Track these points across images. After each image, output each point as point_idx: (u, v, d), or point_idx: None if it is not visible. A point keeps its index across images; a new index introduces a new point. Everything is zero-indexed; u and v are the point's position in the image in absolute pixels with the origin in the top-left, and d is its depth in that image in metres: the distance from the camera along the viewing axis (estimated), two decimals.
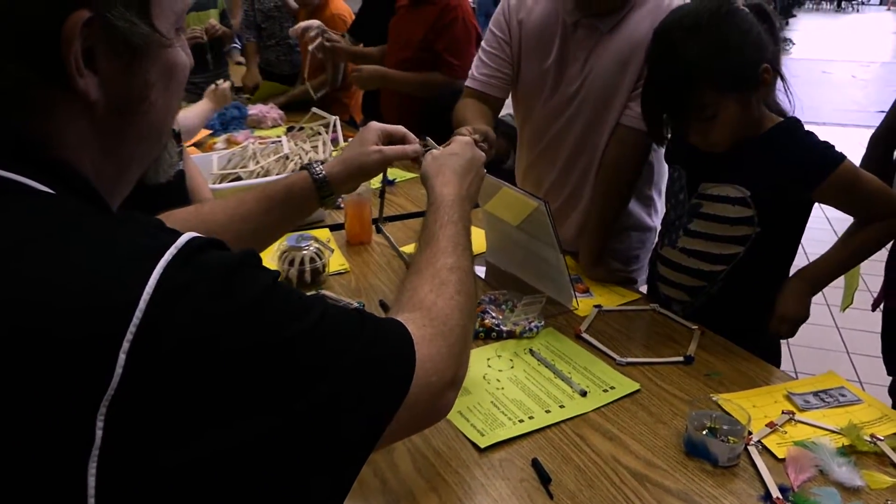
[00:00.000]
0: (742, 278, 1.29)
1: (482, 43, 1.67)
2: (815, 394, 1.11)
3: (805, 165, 1.21)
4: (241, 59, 3.65)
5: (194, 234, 0.51)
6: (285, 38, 3.26)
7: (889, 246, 1.45)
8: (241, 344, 0.49)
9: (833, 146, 1.23)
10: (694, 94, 1.16)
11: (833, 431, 1.01)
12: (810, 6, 27.39)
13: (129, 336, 0.44)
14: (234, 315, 0.49)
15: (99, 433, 0.42)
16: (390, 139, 1.06)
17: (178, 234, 0.50)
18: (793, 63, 11.65)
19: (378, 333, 0.61)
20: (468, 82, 1.66)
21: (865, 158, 1.58)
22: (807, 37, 14.57)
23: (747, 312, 1.32)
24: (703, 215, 1.29)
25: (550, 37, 1.54)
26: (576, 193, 1.66)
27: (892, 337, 1.59)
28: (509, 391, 1.10)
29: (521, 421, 1.03)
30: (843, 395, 1.11)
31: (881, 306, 1.56)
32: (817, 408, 1.08)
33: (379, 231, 1.58)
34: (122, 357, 0.44)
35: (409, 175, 2.20)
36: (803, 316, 1.30)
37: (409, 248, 1.64)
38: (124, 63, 0.54)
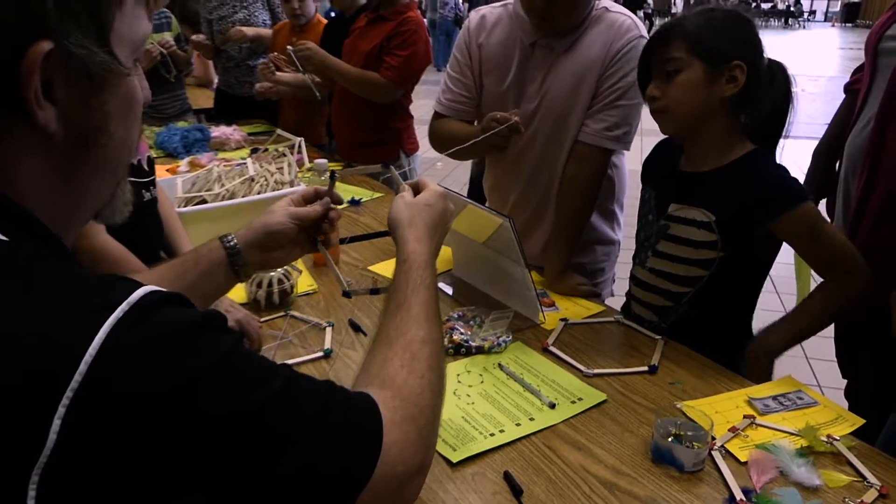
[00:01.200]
0: (707, 301, 1.31)
1: (447, 68, 1.72)
2: (774, 398, 1.15)
3: (767, 197, 1.22)
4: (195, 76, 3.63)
5: (153, 287, 0.49)
6: (244, 60, 3.25)
7: None
8: (189, 415, 0.46)
9: (800, 185, 1.25)
10: (668, 45, 1.24)
11: (792, 434, 1.04)
12: (760, 23, 28.19)
13: (65, 400, 0.42)
14: (184, 382, 0.46)
15: (31, 500, 0.41)
16: (304, 202, 1.00)
17: (135, 287, 0.48)
18: None
19: (345, 410, 0.58)
20: (436, 107, 1.70)
21: (810, 171, 1.65)
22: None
23: (713, 334, 1.32)
24: (671, 237, 1.33)
25: (509, 58, 1.59)
26: (540, 209, 1.70)
27: (843, 341, 1.65)
28: (480, 406, 1.12)
29: (491, 434, 1.04)
30: (800, 399, 1.15)
31: None
32: (776, 411, 1.12)
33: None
34: (56, 422, 0.41)
35: (375, 194, 2.22)
36: (767, 378, 1.28)
37: (376, 267, 1.65)
38: (83, 93, 0.52)
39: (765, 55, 1.26)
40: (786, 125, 1.29)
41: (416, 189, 0.96)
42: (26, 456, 0.41)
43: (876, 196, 1.31)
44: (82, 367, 0.43)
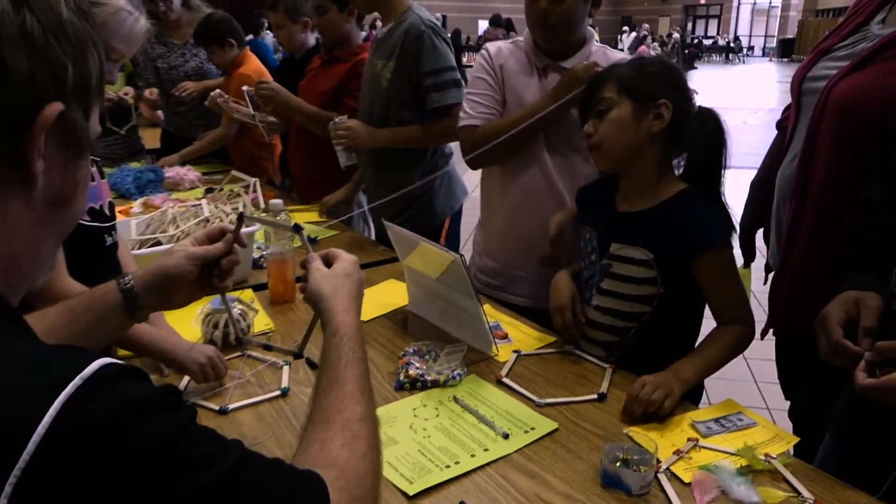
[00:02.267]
0: (651, 334, 1.37)
1: (470, 88, 1.81)
2: (716, 420, 1.21)
3: (691, 236, 1.30)
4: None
5: (108, 360, 0.49)
6: (197, 105, 3.25)
7: (771, 276, 1.58)
8: (139, 493, 0.46)
9: (723, 229, 1.33)
10: (602, 87, 1.35)
11: (731, 454, 1.10)
12: (703, 58, 29.32)
13: (12, 479, 0.42)
14: (135, 461, 0.47)
15: None
16: (209, 240, 0.99)
17: (90, 360, 0.48)
18: None
19: (295, 492, 0.59)
20: (468, 120, 1.77)
21: (748, 202, 1.73)
22: (702, 87, 15.56)
23: (659, 364, 1.32)
24: (613, 275, 1.38)
25: (527, 79, 1.73)
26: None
27: (784, 363, 1.72)
28: (435, 438, 1.15)
29: (447, 466, 1.07)
30: (740, 420, 1.21)
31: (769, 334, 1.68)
32: (718, 433, 1.17)
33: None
34: (3, 501, 0.42)
35: (329, 232, 2.24)
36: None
37: None
38: (68, 157, 0.57)
39: (693, 101, 1.35)
40: (722, 168, 1.38)
41: (327, 259, 0.96)
42: None
43: (804, 226, 1.39)
44: (30, 445, 0.43)
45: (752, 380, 3.17)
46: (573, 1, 1.62)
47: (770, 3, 31.75)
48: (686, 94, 1.36)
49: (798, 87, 1.47)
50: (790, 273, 1.44)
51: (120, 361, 0.50)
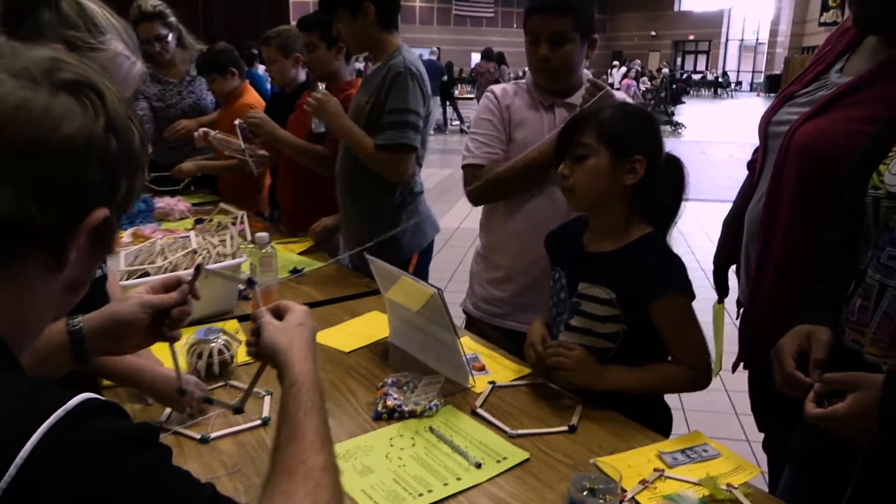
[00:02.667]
0: None
1: (475, 128, 1.90)
2: (683, 451, 1.25)
3: (650, 278, 1.36)
4: None
5: (89, 395, 0.52)
6: (190, 140, 3.31)
7: (741, 311, 1.63)
8: None
9: (682, 274, 1.37)
10: (583, 132, 1.39)
11: (694, 483, 1.14)
12: (691, 93, 29.79)
13: None
14: (110, 493, 0.50)
15: None
16: (164, 289, 1.01)
17: (72, 395, 0.52)
18: (677, 145, 12.61)
19: None
20: (472, 160, 1.86)
21: (720, 240, 1.79)
22: (690, 121, 15.81)
23: (624, 397, 1.40)
24: (582, 312, 1.44)
25: (536, 115, 1.84)
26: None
27: (756, 395, 1.76)
28: (410, 468, 1.18)
29: (420, 495, 1.11)
30: (705, 451, 1.25)
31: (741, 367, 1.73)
32: (684, 464, 1.21)
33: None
34: None
35: (317, 264, 2.29)
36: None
37: (317, 336, 1.71)
38: (93, 254, 0.66)
39: (663, 150, 1.42)
40: (678, 213, 1.45)
41: (278, 311, 0.97)
42: None
43: (771, 264, 1.45)
44: (11, 469, 0.46)
45: (732, 412, 3.21)
46: (571, 45, 1.74)
47: (757, 39, 32.40)
48: (660, 146, 1.43)
49: (764, 130, 1.54)
50: (758, 310, 1.49)
51: (101, 398, 0.54)
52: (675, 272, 1.38)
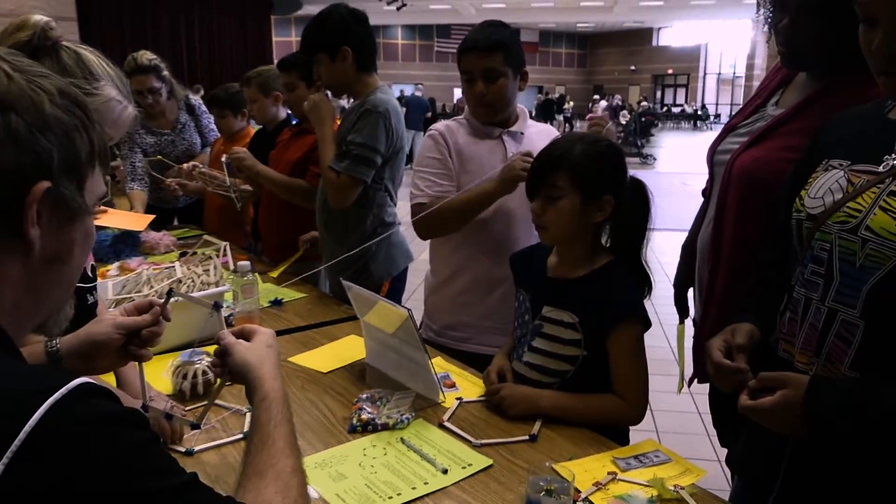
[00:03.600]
0: (572, 389, 1.50)
1: (419, 166, 2.01)
2: (636, 457, 1.34)
3: (609, 307, 1.45)
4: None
5: (87, 379, 0.59)
6: (166, 164, 3.42)
7: (694, 331, 1.74)
8: (99, 489, 0.56)
9: (638, 304, 1.47)
10: (556, 173, 1.46)
11: (643, 485, 1.23)
12: (672, 125, 30.35)
13: (4, 460, 0.52)
14: (101, 460, 0.56)
15: None
16: (137, 311, 1.07)
17: (74, 377, 0.59)
18: (657, 176, 12.85)
19: None
20: (420, 199, 1.96)
21: (679, 265, 1.90)
22: (669, 153, 16.13)
23: None
24: (544, 335, 1.53)
25: (484, 146, 1.97)
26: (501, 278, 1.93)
27: (716, 411, 1.86)
28: (381, 474, 1.27)
29: (389, 497, 1.19)
30: (657, 456, 1.34)
31: (695, 383, 1.82)
32: (636, 468, 1.30)
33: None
34: None
35: (297, 295, 2.38)
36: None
37: (296, 358, 1.80)
38: (61, 222, 0.70)
39: (625, 184, 1.52)
40: (645, 235, 1.54)
41: (243, 334, 1.03)
42: None
43: (719, 283, 1.56)
44: (22, 434, 0.53)
45: (705, 433, 3.31)
46: (504, 80, 1.89)
47: (734, 73, 33.14)
48: (625, 184, 1.52)
49: (711, 159, 1.67)
50: (708, 326, 1.60)
51: (97, 383, 0.60)
52: (633, 301, 1.47)
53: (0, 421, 0.54)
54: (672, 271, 1.93)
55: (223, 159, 2.85)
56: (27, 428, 0.53)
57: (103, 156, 0.76)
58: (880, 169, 1.10)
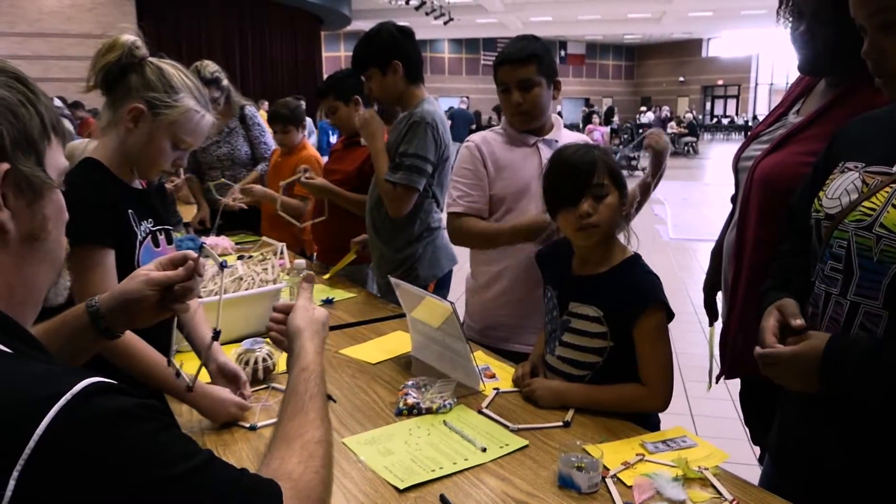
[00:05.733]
0: (602, 380, 1.59)
1: (456, 176, 2.13)
2: (664, 441, 1.43)
3: (633, 296, 1.54)
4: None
5: (96, 379, 0.60)
6: (227, 185, 3.64)
7: (720, 324, 1.81)
8: (112, 484, 0.58)
9: (659, 291, 1.54)
10: (598, 174, 1.57)
11: (669, 465, 1.32)
12: (721, 137, 29.89)
13: (20, 464, 0.54)
14: (109, 458, 0.58)
15: None
16: (172, 266, 1.09)
17: (80, 379, 0.59)
18: (705, 187, 12.75)
19: (254, 492, 0.69)
20: (454, 208, 2.10)
21: (708, 270, 1.96)
22: (717, 164, 15.93)
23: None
24: (572, 329, 1.63)
25: (523, 153, 2.08)
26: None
27: (748, 410, 1.91)
28: (425, 451, 1.38)
29: (433, 471, 1.30)
30: (684, 441, 1.43)
31: (723, 379, 1.87)
32: (663, 451, 1.39)
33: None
34: (11, 483, 0.54)
35: (348, 295, 2.52)
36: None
37: (347, 351, 1.94)
38: (28, 200, 0.71)
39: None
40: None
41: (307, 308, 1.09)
42: None
43: (742, 281, 1.64)
44: (32, 440, 0.55)
45: (738, 418, 3.33)
46: (539, 89, 2.01)
47: (787, 82, 32.51)
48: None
49: (735, 166, 1.75)
50: (733, 323, 1.67)
51: (107, 380, 0.62)
52: (654, 291, 1.56)
53: (8, 432, 0.55)
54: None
55: (281, 184, 3.04)
56: (35, 437, 0.55)
57: (57, 128, 0.75)
58: (893, 170, 1.18)
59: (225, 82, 3.51)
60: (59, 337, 1.01)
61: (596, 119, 16.24)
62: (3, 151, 0.67)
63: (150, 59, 1.49)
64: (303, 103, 3.63)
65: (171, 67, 1.50)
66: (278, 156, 3.56)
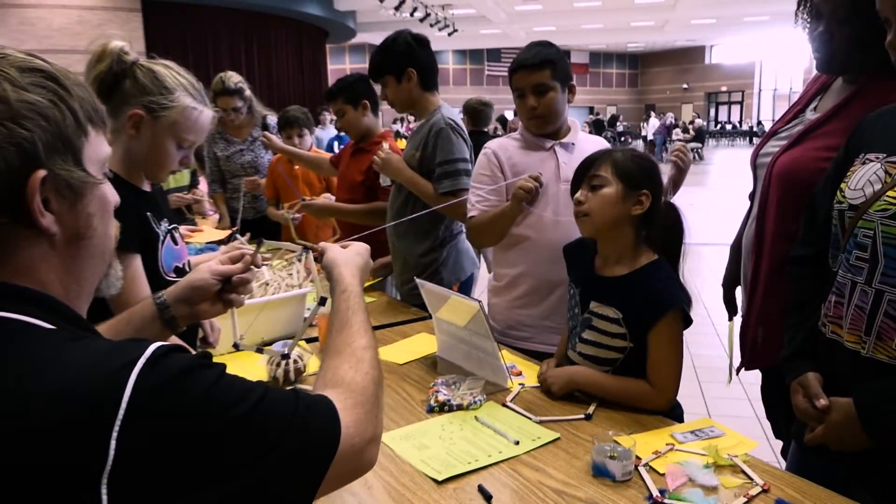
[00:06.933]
0: (624, 374, 1.62)
1: (474, 181, 2.18)
2: (693, 432, 1.45)
3: (653, 302, 1.55)
4: (212, 213, 4.07)
5: (158, 343, 0.66)
6: (247, 194, 3.71)
7: (741, 314, 1.83)
8: (198, 427, 0.64)
9: (680, 296, 1.55)
10: (598, 165, 1.62)
11: (700, 453, 1.34)
12: (726, 142, 29.93)
13: (117, 425, 0.59)
14: (190, 406, 0.64)
15: (104, 498, 0.58)
16: (230, 262, 1.17)
17: (148, 345, 0.65)
18: (712, 193, 12.76)
19: (310, 408, 0.76)
20: (473, 212, 2.14)
21: (727, 265, 1.99)
22: (722, 169, 15.91)
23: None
24: (593, 328, 1.66)
25: (541, 156, 2.11)
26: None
27: (769, 404, 1.93)
28: (459, 445, 1.41)
29: (469, 463, 1.33)
30: (712, 431, 1.46)
31: (743, 371, 1.90)
32: (692, 441, 1.42)
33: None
34: (113, 443, 0.58)
35: (369, 300, 2.54)
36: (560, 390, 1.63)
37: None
38: (70, 201, 0.72)
39: (663, 190, 1.66)
40: (682, 248, 1.68)
41: (343, 246, 1.19)
42: (95, 468, 0.58)
43: (762, 274, 1.67)
44: (123, 403, 0.60)
45: (755, 416, 3.35)
46: (553, 93, 2.04)
47: (791, 89, 32.53)
48: (661, 187, 1.65)
49: (754, 162, 1.78)
50: (753, 314, 1.70)
51: (167, 343, 0.68)
52: (677, 294, 1.57)
53: (102, 399, 0.60)
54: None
55: (291, 216, 3.12)
56: (125, 400, 0.60)
57: (94, 117, 0.75)
58: None
59: (248, 92, 3.59)
60: (128, 328, 1.09)
61: (586, 128, 16.30)
62: (38, 158, 0.67)
63: (141, 62, 1.50)
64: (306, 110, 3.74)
65: (162, 68, 1.50)
66: (284, 162, 3.58)
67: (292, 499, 0.72)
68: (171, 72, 1.52)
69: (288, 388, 1.70)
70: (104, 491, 0.58)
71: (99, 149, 0.75)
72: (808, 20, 1.56)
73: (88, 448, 0.58)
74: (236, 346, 1.29)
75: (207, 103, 1.60)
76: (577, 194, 1.66)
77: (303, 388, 1.71)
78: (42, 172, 0.67)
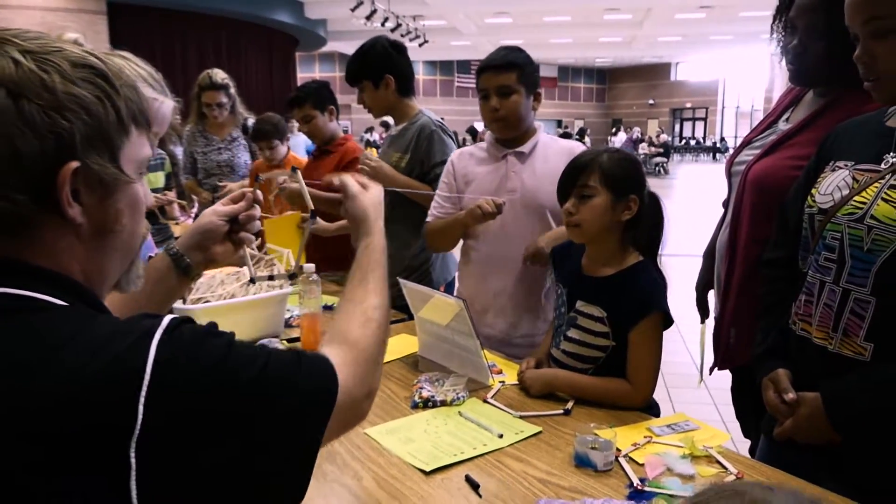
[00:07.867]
0: (605, 374, 1.67)
1: (438, 189, 2.23)
2: (669, 426, 1.51)
3: (635, 303, 1.60)
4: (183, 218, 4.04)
5: (171, 315, 0.70)
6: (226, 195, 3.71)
7: (715, 323, 1.90)
8: (217, 386, 0.67)
9: (661, 297, 1.61)
10: (587, 175, 1.64)
11: (676, 445, 1.40)
12: (690, 157, 30.53)
13: (143, 392, 0.62)
14: (206, 372, 0.67)
15: (133, 461, 0.61)
16: (233, 202, 1.20)
17: (161, 318, 0.69)
18: (677, 206, 13.01)
19: (311, 366, 0.80)
20: (429, 218, 2.21)
21: (700, 270, 2.06)
22: (687, 183, 16.24)
23: None
24: (578, 326, 1.71)
25: (488, 168, 2.15)
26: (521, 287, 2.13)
27: (738, 404, 1.99)
28: (444, 439, 1.45)
29: (454, 455, 1.37)
30: (687, 425, 1.51)
31: (715, 371, 1.97)
32: (669, 434, 1.47)
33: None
34: (140, 408, 0.62)
35: None
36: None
37: None
38: (100, 196, 0.73)
39: (646, 188, 1.70)
40: (661, 239, 1.73)
41: (362, 185, 1.20)
42: (126, 431, 0.61)
43: (735, 278, 1.74)
44: (147, 370, 0.63)
45: (720, 420, 3.44)
46: (518, 97, 2.05)
47: (753, 106, 33.38)
48: (645, 185, 1.70)
49: (728, 170, 1.86)
50: (727, 316, 1.77)
51: (178, 315, 0.72)
52: (654, 298, 1.62)
53: (127, 367, 0.64)
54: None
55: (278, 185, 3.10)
56: (149, 366, 0.64)
57: (139, 118, 0.77)
58: (882, 167, 1.28)
59: (233, 90, 3.60)
60: (147, 288, 1.07)
61: (623, 135, 16.40)
62: (73, 149, 0.68)
63: (97, 54, 1.49)
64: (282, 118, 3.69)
65: (119, 59, 1.49)
66: (265, 168, 3.58)
67: (302, 445, 0.76)
68: (129, 63, 1.49)
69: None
70: (133, 454, 0.61)
71: (139, 149, 0.77)
72: (783, 34, 1.64)
73: (119, 411, 0.61)
74: (252, 281, 1.32)
75: (168, 94, 1.59)
76: (567, 205, 1.67)
77: None
78: (75, 164, 0.68)
